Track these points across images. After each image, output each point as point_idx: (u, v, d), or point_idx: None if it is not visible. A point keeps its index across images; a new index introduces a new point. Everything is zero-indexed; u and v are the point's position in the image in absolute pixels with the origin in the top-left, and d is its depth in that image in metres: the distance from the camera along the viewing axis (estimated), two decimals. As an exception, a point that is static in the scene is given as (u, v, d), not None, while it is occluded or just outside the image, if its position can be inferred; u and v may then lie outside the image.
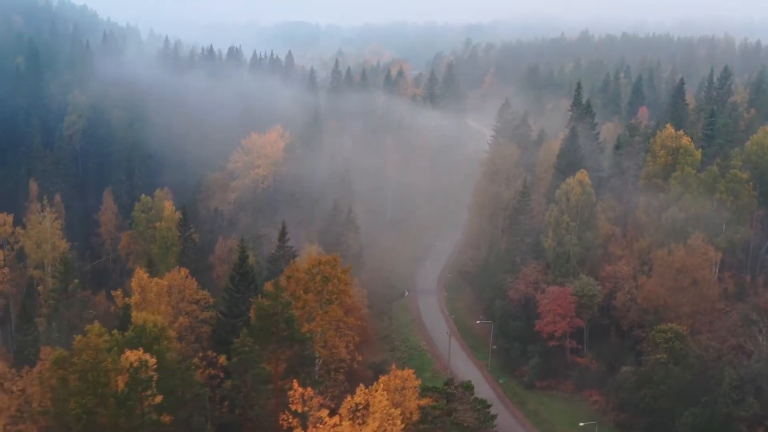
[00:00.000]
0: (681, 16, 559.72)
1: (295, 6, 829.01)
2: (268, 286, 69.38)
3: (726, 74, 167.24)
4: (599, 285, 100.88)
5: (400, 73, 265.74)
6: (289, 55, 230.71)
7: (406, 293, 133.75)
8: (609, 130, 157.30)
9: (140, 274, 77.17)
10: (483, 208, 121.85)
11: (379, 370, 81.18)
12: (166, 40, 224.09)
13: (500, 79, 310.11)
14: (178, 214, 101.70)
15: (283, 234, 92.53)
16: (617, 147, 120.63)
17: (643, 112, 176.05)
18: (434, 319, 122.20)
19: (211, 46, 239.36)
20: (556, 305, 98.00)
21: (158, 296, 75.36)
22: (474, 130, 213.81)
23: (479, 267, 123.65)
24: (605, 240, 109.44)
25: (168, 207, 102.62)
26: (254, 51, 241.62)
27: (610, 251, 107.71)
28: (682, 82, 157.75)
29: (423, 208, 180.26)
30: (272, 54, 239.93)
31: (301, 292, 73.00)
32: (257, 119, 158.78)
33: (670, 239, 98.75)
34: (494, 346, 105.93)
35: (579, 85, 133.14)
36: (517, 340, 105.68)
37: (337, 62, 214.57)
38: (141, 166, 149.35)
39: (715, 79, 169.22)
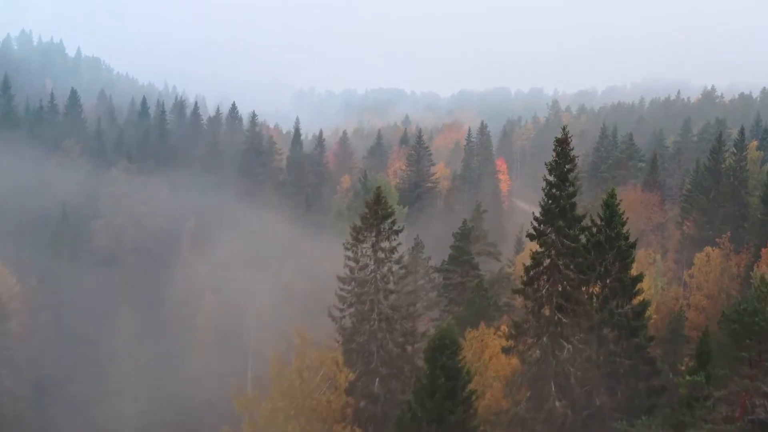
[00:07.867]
0: None
1: (394, 74, 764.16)
2: None
3: None
4: None
5: (421, 142, 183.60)
6: (252, 116, 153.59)
7: None
8: (710, 262, 68.12)
9: None
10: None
11: None
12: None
13: (585, 153, 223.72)
14: None
15: None
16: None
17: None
18: None
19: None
20: None
21: None
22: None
23: None
24: None
25: None
26: (197, 103, 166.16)
27: None
28: None
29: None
30: (217, 109, 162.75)
31: None
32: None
33: None
34: None
35: (564, 157, 42.10)
36: None
37: (253, 117, 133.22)
38: None
39: None
